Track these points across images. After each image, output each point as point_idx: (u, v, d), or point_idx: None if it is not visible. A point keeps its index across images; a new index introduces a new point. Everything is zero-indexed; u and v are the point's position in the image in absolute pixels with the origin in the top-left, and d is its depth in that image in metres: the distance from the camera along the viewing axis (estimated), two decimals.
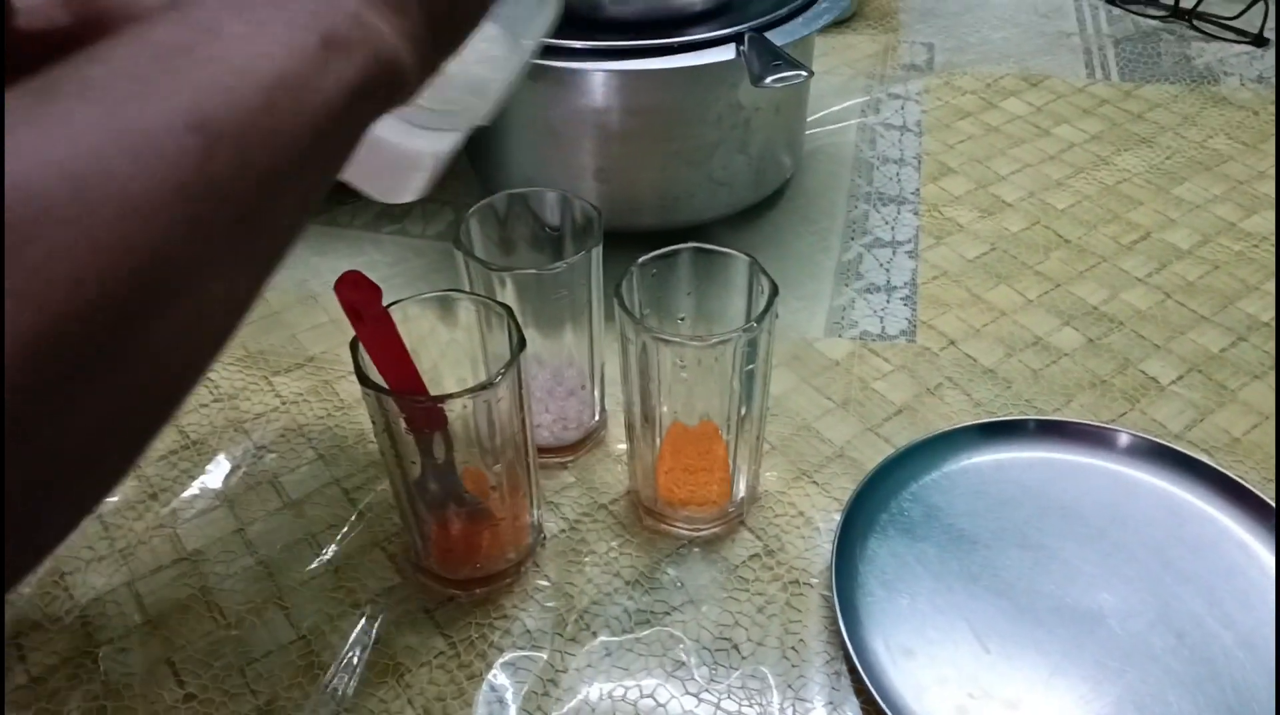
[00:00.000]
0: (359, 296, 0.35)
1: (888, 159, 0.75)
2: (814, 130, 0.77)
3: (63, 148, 0.19)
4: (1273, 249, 0.66)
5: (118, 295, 0.20)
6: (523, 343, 0.41)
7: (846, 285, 0.64)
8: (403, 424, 0.40)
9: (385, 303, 0.40)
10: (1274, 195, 0.70)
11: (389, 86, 0.27)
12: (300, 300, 0.63)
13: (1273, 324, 0.61)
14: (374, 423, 0.41)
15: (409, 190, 0.39)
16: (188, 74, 0.22)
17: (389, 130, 0.37)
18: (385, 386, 0.39)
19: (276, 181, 0.23)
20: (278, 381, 0.58)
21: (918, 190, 0.72)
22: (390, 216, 0.70)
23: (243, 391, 0.57)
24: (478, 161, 0.70)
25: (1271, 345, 0.59)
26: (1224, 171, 0.73)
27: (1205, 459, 0.51)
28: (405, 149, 0.38)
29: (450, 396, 0.39)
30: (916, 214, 0.69)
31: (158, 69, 0.22)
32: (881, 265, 0.65)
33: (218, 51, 0.23)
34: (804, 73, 0.52)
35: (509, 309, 0.42)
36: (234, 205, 0.22)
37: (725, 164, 0.63)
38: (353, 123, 0.26)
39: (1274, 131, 0.77)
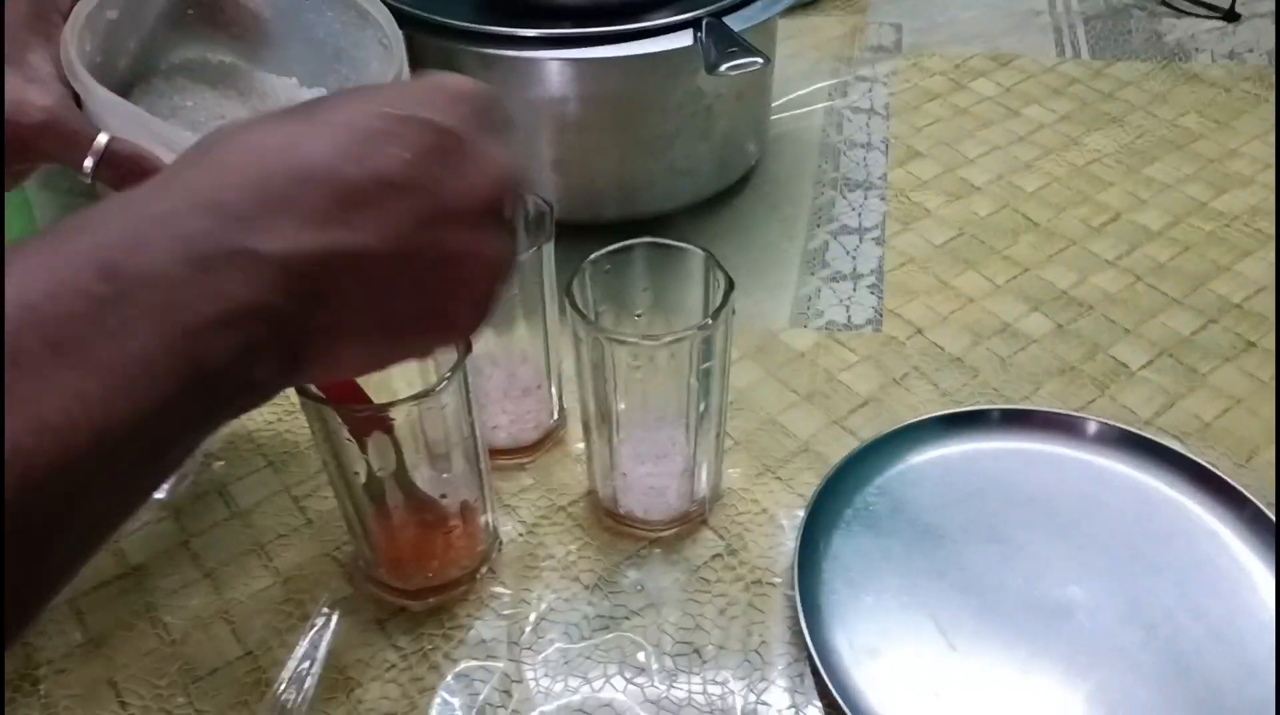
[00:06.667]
0: None
1: (855, 143, 0.73)
2: (780, 115, 0.76)
3: None
4: (1243, 229, 0.65)
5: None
6: (468, 346, 0.40)
7: (812, 274, 0.63)
8: (345, 432, 0.39)
9: None
10: (1245, 174, 0.69)
11: None
12: None
13: (1243, 306, 0.60)
14: (314, 433, 0.40)
15: None
16: None
17: None
18: (323, 396, 0.37)
19: None
20: None
21: (885, 175, 0.70)
22: None
23: None
24: None
25: (1243, 327, 0.58)
26: (1195, 150, 0.72)
27: (1175, 446, 0.50)
28: None
29: (392, 404, 0.38)
30: (884, 199, 0.68)
31: None
32: (848, 253, 0.64)
33: None
34: (759, 60, 0.50)
35: None
36: None
37: (687, 152, 0.62)
38: None
39: (1245, 109, 0.76)
